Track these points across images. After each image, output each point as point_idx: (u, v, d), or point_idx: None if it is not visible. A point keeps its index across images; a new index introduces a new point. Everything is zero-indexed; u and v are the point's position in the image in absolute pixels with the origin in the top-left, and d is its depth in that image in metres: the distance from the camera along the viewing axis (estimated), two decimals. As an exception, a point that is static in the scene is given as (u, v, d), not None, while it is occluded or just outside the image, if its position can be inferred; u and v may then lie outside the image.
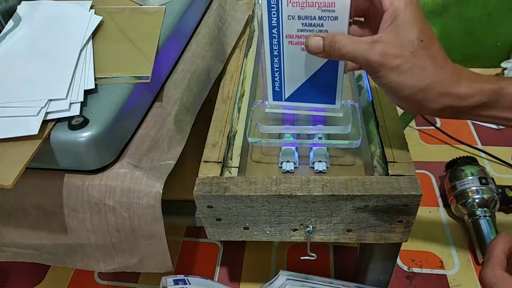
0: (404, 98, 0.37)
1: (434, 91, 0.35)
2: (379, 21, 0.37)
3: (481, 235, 0.61)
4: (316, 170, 0.44)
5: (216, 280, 0.63)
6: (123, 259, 0.44)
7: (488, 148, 0.78)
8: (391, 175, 0.41)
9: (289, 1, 0.37)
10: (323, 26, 0.38)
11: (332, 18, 0.38)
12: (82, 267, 0.46)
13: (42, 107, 0.39)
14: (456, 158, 0.70)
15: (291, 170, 0.45)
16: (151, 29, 0.50)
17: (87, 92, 0.42)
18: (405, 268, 0.65)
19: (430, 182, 0.75)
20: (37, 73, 0.44)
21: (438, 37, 0.36)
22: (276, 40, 0.40)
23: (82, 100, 0.40)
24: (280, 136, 0.47)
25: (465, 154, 0.72)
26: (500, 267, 0.36)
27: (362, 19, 0.43)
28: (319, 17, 0.38)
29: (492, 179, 0.66)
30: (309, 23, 0.38)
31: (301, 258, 0.45)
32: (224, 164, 0.44)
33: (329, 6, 0.37)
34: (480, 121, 0.39)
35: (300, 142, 0.46)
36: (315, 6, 0.37)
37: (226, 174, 0.44)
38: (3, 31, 0.49)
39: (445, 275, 0.64)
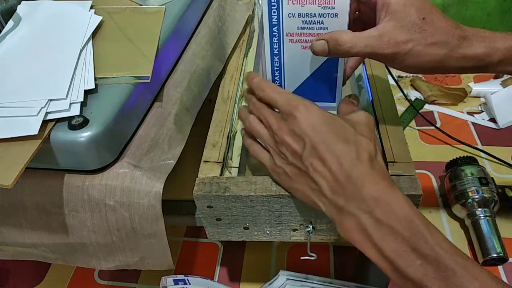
0: (426, 71, 0.38)
1: (452, 58, 0.36)
2: (373, 15, 0.37)
3: (481, 235, 0.61)
4: (316, 170, 0.44)
5: (216, 280, 0.63)
6: (124, 257, 0.44)
7: (488, 148, 0.78)
8: (391, 175, 0.41)
9: None
10: (323, 23, 0.38)
11: (332, 15, 0.38)
12: (83, 265, 0.46)
13: (42, 107, 0.39)
14: (456, 158, 0.70)
15: (291, 170, 0.45)
16: (151, 29, 0.50)
17: (87, 92, 0.42)
18: (405, 268, 0.65)
19: (430, 182, 0.75)
20: (37, 73, 0.44)
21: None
22: (277, 38, 0.40)
23: (82, 100, 0.40)
24: (280, 136, 0.47)
25: (465, 154, 0.72)
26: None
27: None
28: (319, 14, 0.38)
29: (492, 179, 0.66)
30: (309, 21, 0.38)
31: (301, 258, 0.45)
32: (224, 164, 0.44)
33: (329, 3, 0.37)
34: (508, 74, 0.39)
35: (300, 142, 0.46)
36: (315, 4, 0.37)
37: (226, 174, 0.44)
38: (3, 31, 0.49)
39: (445, 275, 0.64)
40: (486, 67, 0.37)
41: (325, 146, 0.34)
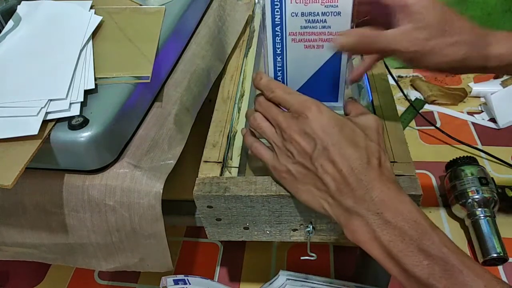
0: (446, 71, 0.38)
1: (472, 58, 0.37)
2: (386, 18, 0.38)
3: (481, 235, 0.61)
4: (316, 170, 0.44)
5: (216, 280, 0.63)
6: (124, 258, 0.44)
7: (488, 148, 0.78)
8: (391, 175, 0.41)
9: None
10: (326, 22, 0.38)
11: (335, 14, 0.38)
12: (83, 266, 0.46)
13: (42, 107, 0.39)
14: (456, 158, 0.70)
15: (291, 170, 0.45)
16: (151, 29, 0.50)
17: (87, 92, 0.42)
18: (405, 268, 0.65)
19: (430, 182, 0.75)
20: (37, 73, 0.44)
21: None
22: (279, 38, 0.40)
23: (82, 100, 0.40)
24: (280, 136, 0.47)
25: (465, 154, 0.72)
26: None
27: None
28: (322, 13, 0.38)
29: (492, 179, 0.66)
30: (312, 20, 0.38)
31: (301, 258, 0.45)
32: (224, 164, 0.44)
33: (332, 2, 0.37)
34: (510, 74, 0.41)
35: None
36: (318, 2, 0.37)
37: (226, 174, 0.44)
38: (3, 31, 0.49)
39: (445, 275, 0.64)
40: (497, 68, 0.38)
41: (336, 149, 0.35)
